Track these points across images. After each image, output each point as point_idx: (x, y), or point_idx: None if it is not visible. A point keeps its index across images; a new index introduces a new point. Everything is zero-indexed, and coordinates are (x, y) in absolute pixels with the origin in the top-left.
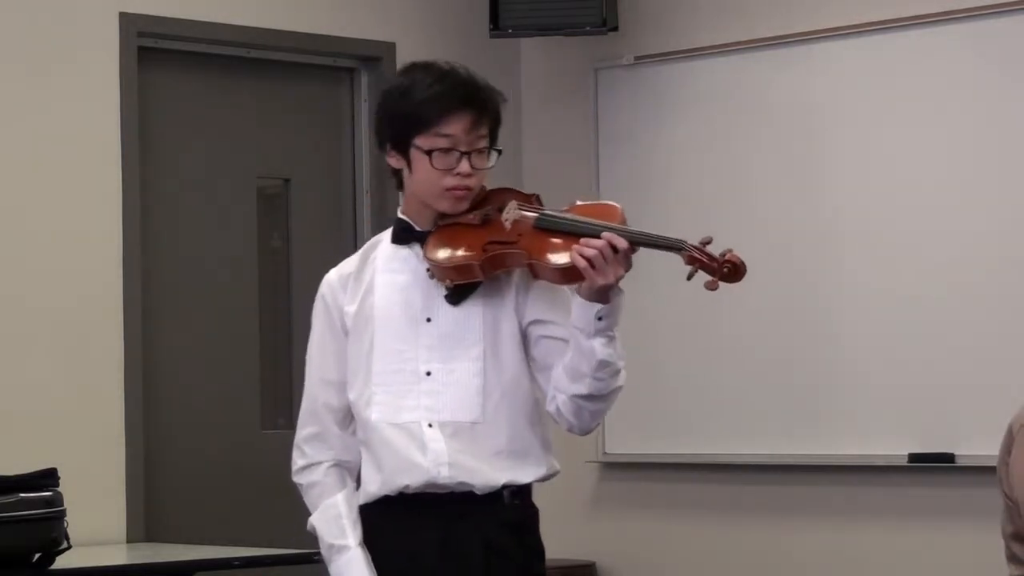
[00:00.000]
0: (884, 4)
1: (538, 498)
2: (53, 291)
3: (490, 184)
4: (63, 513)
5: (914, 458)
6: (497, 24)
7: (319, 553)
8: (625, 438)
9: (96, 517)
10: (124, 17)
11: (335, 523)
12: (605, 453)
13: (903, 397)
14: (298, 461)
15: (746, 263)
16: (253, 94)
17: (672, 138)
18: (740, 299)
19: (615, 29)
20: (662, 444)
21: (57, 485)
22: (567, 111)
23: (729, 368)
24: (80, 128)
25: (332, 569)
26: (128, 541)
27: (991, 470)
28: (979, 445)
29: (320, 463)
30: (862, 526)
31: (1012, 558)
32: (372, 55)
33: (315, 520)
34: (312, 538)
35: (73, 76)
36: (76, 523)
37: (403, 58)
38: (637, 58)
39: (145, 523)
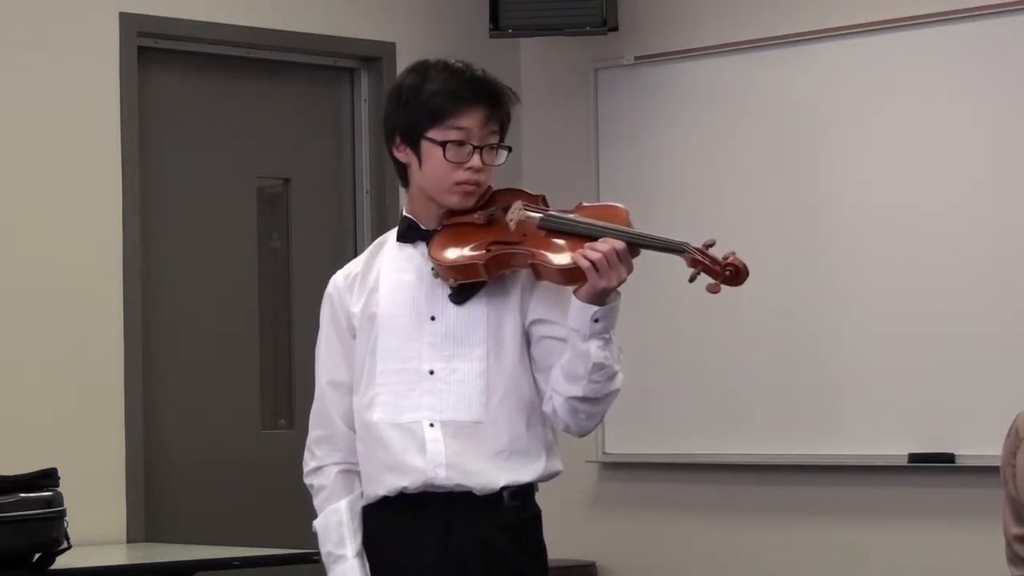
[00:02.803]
0: (884, 4)
1: (538, 498)
2: (53, 291)
3: (493, 184)
4: (63, 513)
5: (914, 458)
6: (497, 24)
7: (318, 553)
8: (625, 438)
9: (96, 517)
10: (124, 17)
11: (336, 530)
12: (605, 453)
13: (903, 397)
14: (308, 463)
15: (748, 267)
16: (253, 94)
17: (672, 138)
18: (740, 299)
19: (615, 29)
20: (662, 444)
21: (57, 485)
22: (567, 111)
23: (729, 368)
24: (80, 128)
25: None
26: (128, 541)
27: (991, 470)
28: (979, 445)
29: (329, 466)
30: (862, 526)
31: (1014, 559)
32: (372, 55)
33: (317, 525)
34: (310, 538)
35: (73, 76)
36: (76, 523)
37: (403, 58)
38: (637, 58)
39: (145, 523)
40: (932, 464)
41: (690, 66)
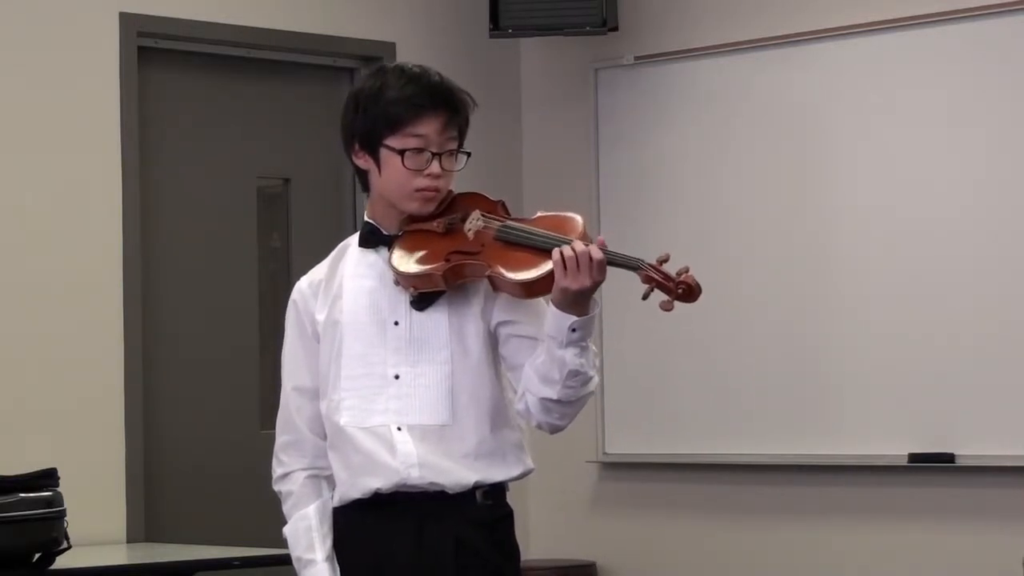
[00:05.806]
0: (884, 4)
1: (537, 498)
2: (54, 291)
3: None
4: (63, 513)
5: (914, 458)
6: (497, 24)
7: None
8: (625, 438)
9: (96, 517)
10: (124, 17)
11: (305, 535)
12: (605, 453)
13: (903, 397)
14: (276, 470)
15: (701, 285)
16: (253, 94)
17: (672, 138)
18: (740, 299)
19: (615, 29)
20: (662, 444)
21: (57, 485)
22: (567, 111)
23: (729, 368)
24: (80, 128)
25: None
26: (128, 541)
27: (991, 470)
28: (979, 445)
29: (296, 472)
30: (862, 526)
31: None
32: (372, 55)
33: (287, 531)
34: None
35: (73, 76)
36: (76, 523)
37: (403, 58)
38: (637, 58)
39: (145, 523)
40: (932, 464)
41: (690, 66)
